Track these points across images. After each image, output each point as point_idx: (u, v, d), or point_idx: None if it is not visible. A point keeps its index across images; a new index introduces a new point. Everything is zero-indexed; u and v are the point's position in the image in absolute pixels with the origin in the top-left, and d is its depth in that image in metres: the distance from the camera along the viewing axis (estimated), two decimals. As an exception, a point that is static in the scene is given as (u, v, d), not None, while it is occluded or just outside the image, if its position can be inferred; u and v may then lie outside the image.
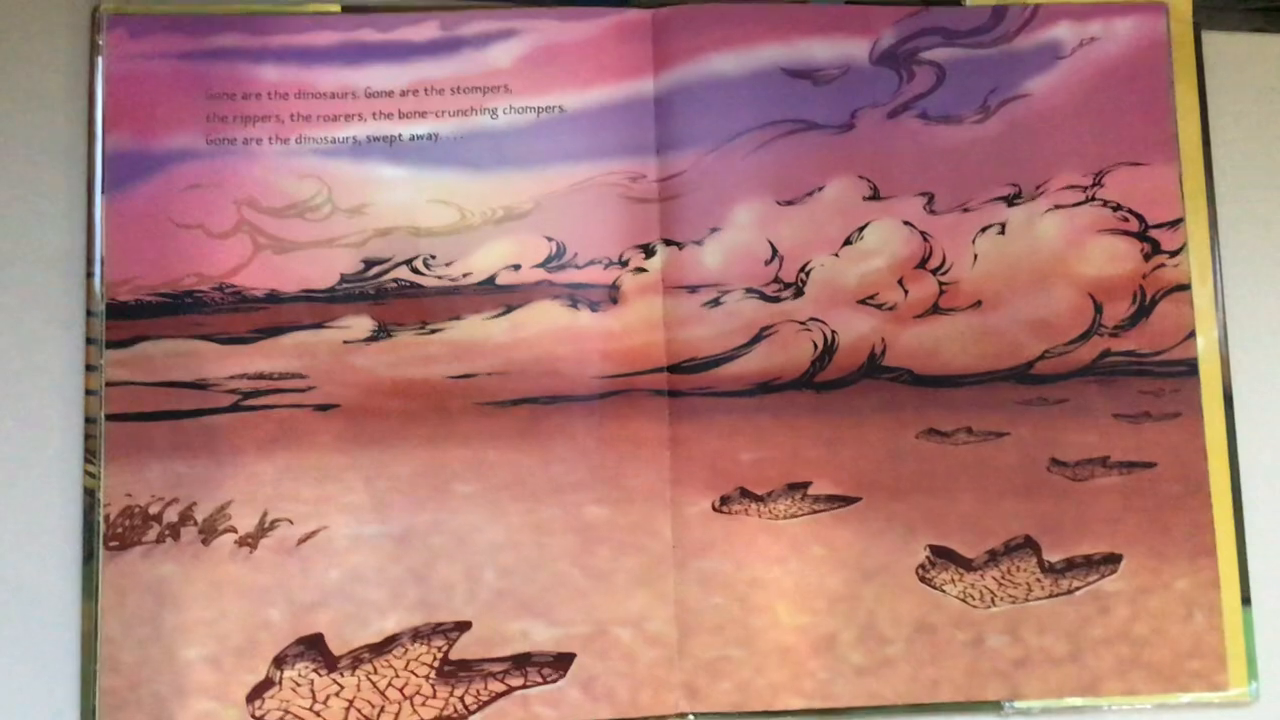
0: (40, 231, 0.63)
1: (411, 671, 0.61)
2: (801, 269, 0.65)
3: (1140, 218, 0.66)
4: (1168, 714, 0.63)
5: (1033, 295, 0.65)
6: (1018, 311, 0.65)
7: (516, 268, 0.64)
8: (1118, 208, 0.66)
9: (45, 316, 0.63)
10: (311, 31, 0.64)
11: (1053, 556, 0.63)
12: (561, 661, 0.61)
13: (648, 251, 0.64)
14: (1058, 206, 0.66)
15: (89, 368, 0.62)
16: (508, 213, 0.64)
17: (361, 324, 0.63)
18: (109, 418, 0.62)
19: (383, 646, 0.61)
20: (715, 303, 0.64)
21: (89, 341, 0.62)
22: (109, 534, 0.61)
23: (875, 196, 0.65)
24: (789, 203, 0.65)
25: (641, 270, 0.64)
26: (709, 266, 0.64)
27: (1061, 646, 0.63)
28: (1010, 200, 0.65)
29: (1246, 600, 0.63)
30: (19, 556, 0.61)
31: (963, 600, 0.63)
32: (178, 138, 0.63)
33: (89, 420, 0.62)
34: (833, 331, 0.65)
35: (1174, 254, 0.66)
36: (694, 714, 0.61)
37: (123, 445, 0.62)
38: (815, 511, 0.63)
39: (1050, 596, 0.63)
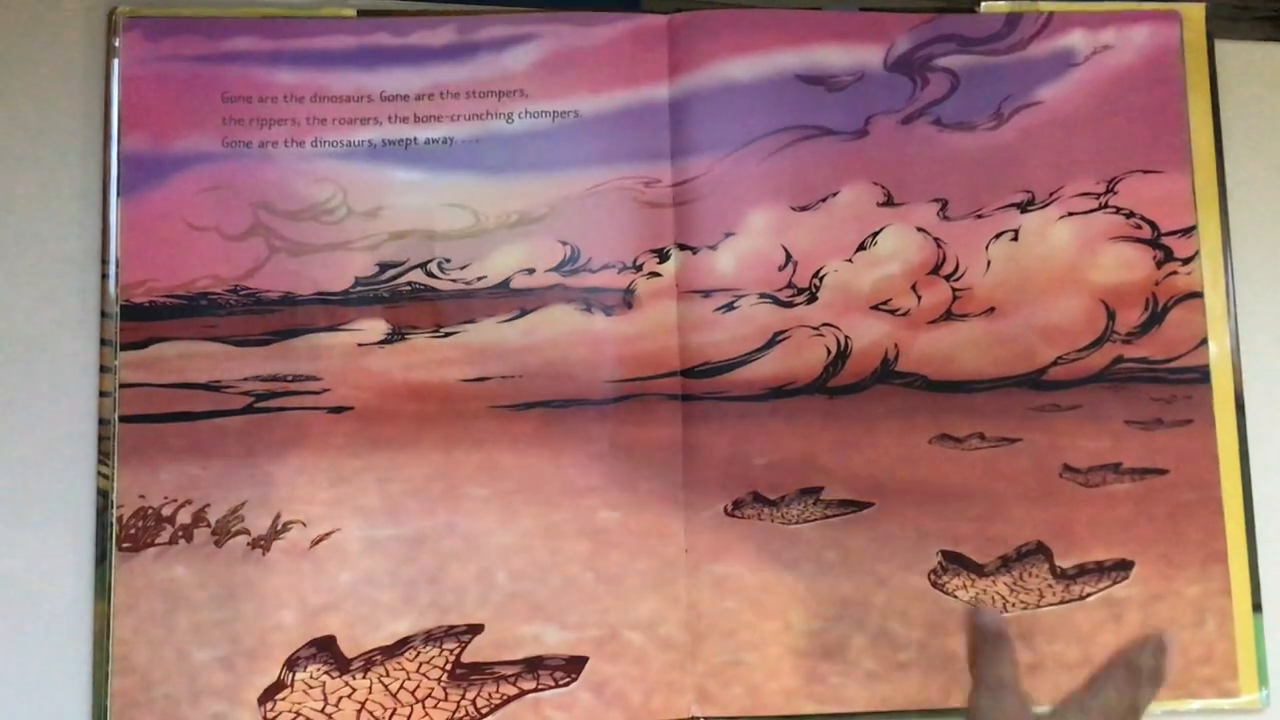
0: (56, 233, 0.63)
1: (423, 674, 0.61)
2: (815, 274, 0.65)
3: (1153, 225, 0.66)
4: (1179, 721, 0.63)
5: (1046, 301, 0.65)
6: (1031, 318, 0.65)
7: (531, 271, 0.64)
8: (1130, 214, 0.66)
9: (60, 318, 0.63)
10: (327, 35, 0.65)
11: (1065, 563, 0.63)
12: (573, 665, 0.61)
13: (662, 256, 0.64)
14: (1070, 213, 0.66)
15: (103, 369, 0.62)
16: (522, 217, 0.64)
17: (376, 327, 0.63)
18: (123, 419, 0.62)
19: (395, 649, 0.61)
20: (729, 307, 0.64)
21: (103, 343, 0.62)
22: (122, 535, 0.61)
23: (889, 202, 0.65)
24: (803, 208, 0.65)
25: (655, 275, 0.64)
26: (723, 271, 0.64)
27: (1073, 652, 0.63)
28: (1023, 207, 0.66)
29: (1258, 607, 0.63)
30: (32, 557, 0.61)
31: (974, 606, 0.63)
32: (193, 140, 0.63)
33: (103, 422, 0.62)
34: (846, 337, 0.65)
35: (1186, 261, 0.66)
36: (706, 718, 0.61)
37: (136, 447, 0.62)
38: (828, 516, 0.63)
39: (1062, 603, 0.63)
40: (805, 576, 0.63)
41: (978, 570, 0.63)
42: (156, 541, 0.61)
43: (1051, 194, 0.66)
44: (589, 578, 0.62)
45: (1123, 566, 0.63)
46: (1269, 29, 0.69)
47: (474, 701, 0.61)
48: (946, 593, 0.63)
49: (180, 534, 0.61)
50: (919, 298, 0.65)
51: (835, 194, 0.65)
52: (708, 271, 0.64)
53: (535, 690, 0.61)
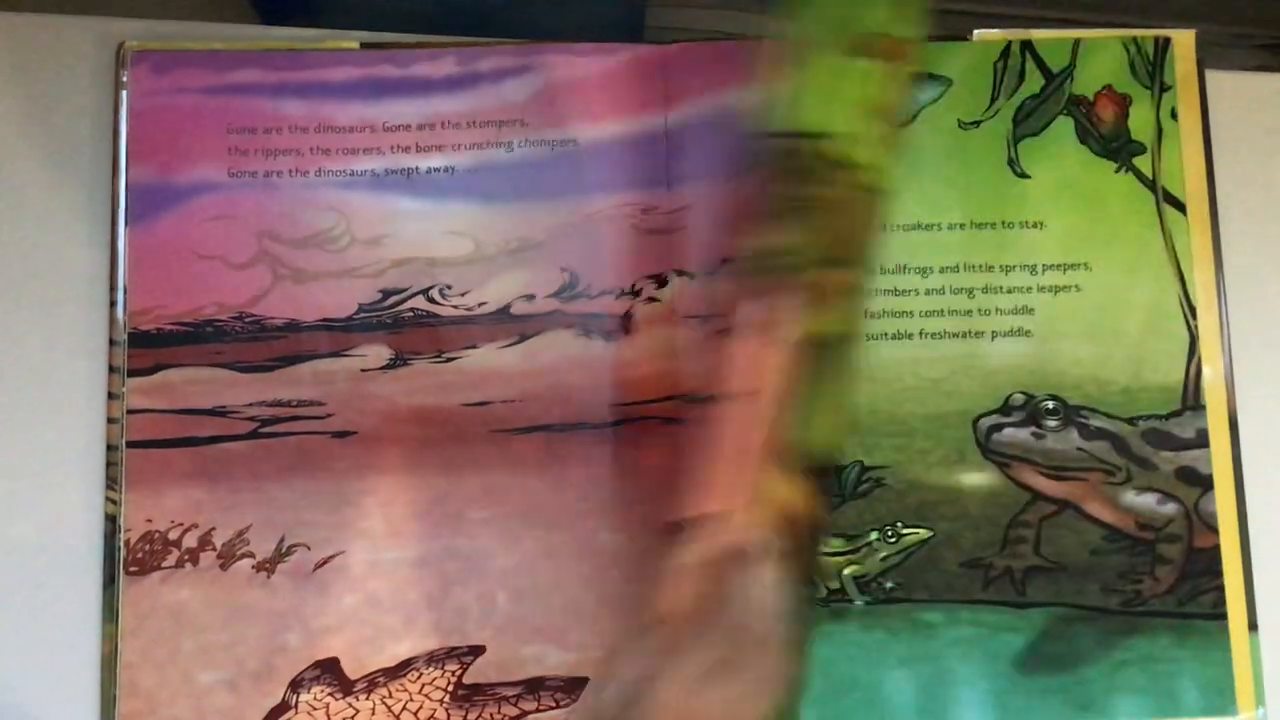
0: (64, 262, 0.64)
1: (426, 695, 0.62)
2: (811, 299, 0.65)
3: None
4: (1175, 741, 0.63)
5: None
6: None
7: (530, 298, 0.65)
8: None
9: (69, 345, 0.64)
10: (331, 67, 0.66)
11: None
12: (574, 685, 0.62)
13: (660, 282, 0.65)
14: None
15: (111, 395, 0.63)
16: (522, 244, 0.65)
17: (379, 353, 0.64)
18: (130, 445, 0.63)
19: (398, 670, 0.62)
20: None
21: (111, 370, 0.63)
22: (129, 559, 0.62)
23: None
24: (798, 234, 0.66)
25: (654, 300, 0.65)
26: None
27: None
28: (1016, 231, 0.66)
29: (1253, 626, 0.64)
30: (41, 581, 0.62)
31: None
32: (200, 170, 0.65)
33: (110, 447, 0.63)
34: (842, 360, 0.65)
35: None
36: (705, 739, 0.62)
37: (143, 472, 0.63)
38: (825, 538, 0.64)
39: (1058, 623, 0.64)
40: (803, 598, 0.63)
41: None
42: (163, 565, 0.62)
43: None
44: (590, 599, 0.63)
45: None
46: (1265, 57, 0.69)
47: (476, 722, 0.61)
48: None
49: (186, 557, 0.62)
50: (913, 322, 0.66)
51: (830, 220, 0.66)
52: (706, 296, 0.65)
53: (536, 711, 0.62)
